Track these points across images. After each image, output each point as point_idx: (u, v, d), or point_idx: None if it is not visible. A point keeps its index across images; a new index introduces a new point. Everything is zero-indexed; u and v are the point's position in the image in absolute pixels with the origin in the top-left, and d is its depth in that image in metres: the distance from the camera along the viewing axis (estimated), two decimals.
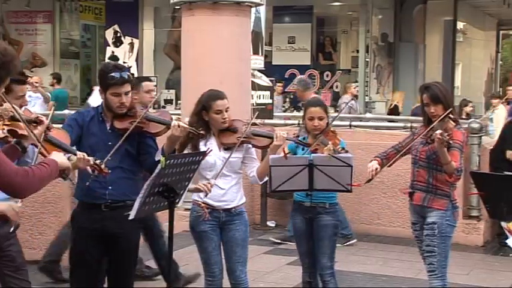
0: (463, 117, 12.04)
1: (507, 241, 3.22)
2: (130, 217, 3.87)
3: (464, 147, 5.01)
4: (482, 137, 8.60)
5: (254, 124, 4.86)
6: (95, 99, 6.56)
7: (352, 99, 14.37)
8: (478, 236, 8.18)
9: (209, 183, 4.58)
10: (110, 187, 4.32)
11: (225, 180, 4.74)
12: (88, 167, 3.99)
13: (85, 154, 3.91)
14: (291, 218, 5.45)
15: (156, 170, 3.78)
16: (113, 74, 4.26)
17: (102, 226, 4.32)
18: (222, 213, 4.77)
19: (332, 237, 5.16)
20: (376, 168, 4.99)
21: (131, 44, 17.45)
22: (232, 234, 4.81)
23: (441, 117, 4.86)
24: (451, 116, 4.93)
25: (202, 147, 4.70)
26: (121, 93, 4.27)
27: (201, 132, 4.53)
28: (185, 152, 4.60)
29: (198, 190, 4.59)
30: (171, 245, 4.06)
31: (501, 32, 24.38)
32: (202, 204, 4.75)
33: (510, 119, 6.16)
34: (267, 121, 9.61)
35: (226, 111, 4.74)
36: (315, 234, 5.15)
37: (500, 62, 26.61)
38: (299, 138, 5.11)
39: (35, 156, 3.62)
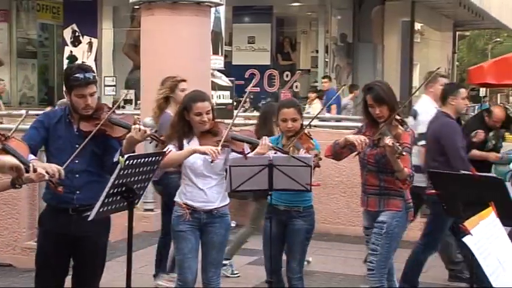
0: None
1: (463, 239, 3.26)
2: (90, 218, 3.85)
3: (412, 147, 4.92)
4: None
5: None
6: None
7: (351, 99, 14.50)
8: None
9: (217, 149, 4.50)
10: (77, 192, 4.26)
11: (204, 181, 4.73)
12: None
13: (41, 169, 3.81)
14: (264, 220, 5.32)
15: (116, 171, 3.75)
16: (76, 75, 4.19)
17: (69, 230, 4.28)
18: (202, 214, 4.76)
19: (304, 241, 5.13)
20: (365, 139, 4.68)
21: (90, 44, 17.29)
22: (210, 237, 4.81)
23: (387, 121, 4.75)
24: (397, 117, 4.86)
25: (185, 146, 4.71)
26: (86, 94, 4.20)
27: (162, 138, 4.50)
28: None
29: (203, 153, 4.53)
30: (130, 245, 4.04)
31: (457, 33, 24.73)
32: (184, 205, 4.74)
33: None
34: (227, 121, 9.61)
35: (207, 113, 4.71)
36: (287, 238, 5.13)
37: (457, 63, 27.02)
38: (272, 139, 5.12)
39: None
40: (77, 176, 4.25)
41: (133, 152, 4.33)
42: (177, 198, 4.80)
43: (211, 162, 4.56)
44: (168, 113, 6.09)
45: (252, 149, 4.76)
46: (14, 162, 3.59)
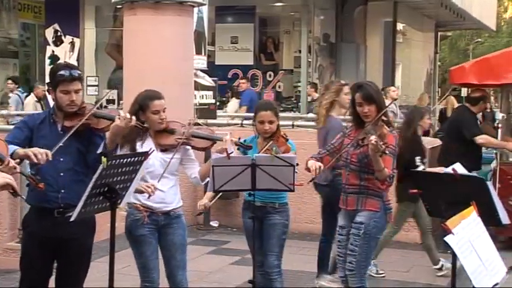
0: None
1: (445, 238, 3.28)
2: (72, 218, 3.82)
3: (397, 150, 4.93)
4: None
5: (196, 124, 4.85)
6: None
7: (391, 102, 14.34)
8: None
9: (153, 185, 4.52)
10: (62, 190, 4.24)
11: (163, 182, 4.70)
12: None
13: (16, 166, 3.79)
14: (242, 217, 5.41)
15: (98, 171, 3.74)
16: (62, 72, 4.22)
17: (54, 232, 4.25)
18: (160, 216, 4.74)
19: (280, 236, 5.19)
20: (320, 166, 4.81)
21: (72, 43, 17.20)
22: (170, 239, 4.78)
23: (374, 120, 4.78)
24: (383, 118, 4.89)
25: (138, 149, 4.67)
26: (70, 90, 4.21)
27: (146, 125, 4.51)
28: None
29: (140, 191, 4.51)
30: (112, 246, 4.02)
31: (439, 33, 24.85)
32: (141, 208, 4.70)
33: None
34: (210, 121, 9.61)
35: (164, 111, 4.70)
36: (264, 233, 5.18)
37: (439, 63, 27.15)
38: (248, 138, 5.12)
39: None
40: (62, 174, 4.23)
41: (117, 144, 4.32)
42: (133, 200, 4.67)
43: (148, 197, 4.54)
44: (333, 116, 6.20)
45: (212, 145, 4.75)
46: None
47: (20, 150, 4.01)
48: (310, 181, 4.94)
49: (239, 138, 4.92)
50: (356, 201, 4.94)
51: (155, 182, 4.59)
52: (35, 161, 3.94)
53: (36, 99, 14.19)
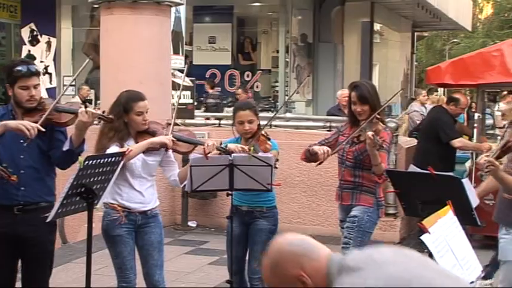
0: None
1: (421, 237, 3.31)
2: (48, 219, 3.81)
3: (390, 147, 5.13)
4: (398, 136, 8.83)
5: (176, 124, 4.85)
6: None
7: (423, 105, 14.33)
8: (395, 233, 8.39)
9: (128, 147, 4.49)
10: (22, 188, 4.21)
11: (141, 182, 4.69)
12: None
13: None
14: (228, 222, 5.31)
15: (75, 171, 3.73)
16: (19, 68, 4.20)
17: (14, 230, 4.22)
18: (138, 216, 4.72)
19: (266, 242, 5.04)
20: (328, 151, 4.91)
21: (48, 43, 17.07)
22: (148, 238, 4.76)
23: (370, 119, 4.91)
24: (378, 116, 4.99)
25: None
26: (29, 86, 4.20)
27: (110, 116, 4.47)
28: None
29: (163, 144, 4.56)
30: (89, 246, 4.01)
31: (416, 33, 24.97)
32: (119, 208, 4.68)
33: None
34: (187, 121, 9.60)
35: (146, 112, 4.68)
36: (249, 238, 5.14)
37: (416, 63, 27.29)
38: (227, 140, 5.11)
39: None
40: (22, 172, 4.20)
41: (83, 140, 4.29)
42: (110, 200, 4.67)
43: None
44: None
45: (193, 149, 4.74)
46: None
47: (12, 123, 4.00)
48: (318, 164, 4.97)
49: (221, 143, 4.91)
50: (351, 197, 5.10)
51: (138, 168, 4.60)
52: (28, 135, 3.95)
53: (81, 101, 14.06)
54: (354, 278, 2.06)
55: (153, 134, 4.71)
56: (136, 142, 4.68)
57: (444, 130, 8.13)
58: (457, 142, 8.07)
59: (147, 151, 4.66)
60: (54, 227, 4.45)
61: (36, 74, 4.25)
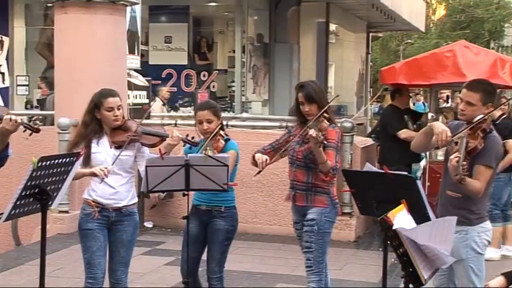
0: None
1: (395, 228, 3.38)
2: (1, 220, 3.75)
3: (340, 145, 5.15)
4: (354, 136, 8.91)
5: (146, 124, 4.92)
6: None
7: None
8: (350, 232, 8.46)
9: (106, 167, 4.56)
10: None
11: (115, 178, 4.72)
12: None
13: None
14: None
15: (28, 172, 3.68)
16: None
17: None
18: (112, 212, 4.76)
19: (223, 242, 5.12)
20: (266, 159, 4.96)
21: (1, 42, 16.79)
22: (119, 235, 4.80)
23: (316, 117, 4.95)
24: (325, 115, 5.04)
25: (94, 147, 4.72)
26: None
27: (36, 127, 4.41)
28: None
29: (93, 174, 4.59)
30: (43, 248, 3.96)
31: (370, 34, 25.20)
32: (92, 203, 4.74)
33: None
34: (144, 121, 9.53)
35: (118, 109, 4.77)
36: (207, 238, 5.14)
37: (370, 63, 27.54)
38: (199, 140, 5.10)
39: None
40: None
41: (8, 144, 4.22)
42: (86, 196, 4.80)
43: (101, 181, 4.60)
44: None
45: (161, 142, 4.79)
46: None
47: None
48: (257, 173, 5.01)
49: (187, 135, 4.93)
50: (305, 198, 5.10)
51: (109, 165, 4.62)
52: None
53: (162, 102, 13.75)
54: None
55: (125, 130, 4.78)
56: (112, 139, 4.77)
57: (390, 123, 8.43)
58: (402, 133, 8.29)
59: (120, 147, 4.72)
60: None
61: None
